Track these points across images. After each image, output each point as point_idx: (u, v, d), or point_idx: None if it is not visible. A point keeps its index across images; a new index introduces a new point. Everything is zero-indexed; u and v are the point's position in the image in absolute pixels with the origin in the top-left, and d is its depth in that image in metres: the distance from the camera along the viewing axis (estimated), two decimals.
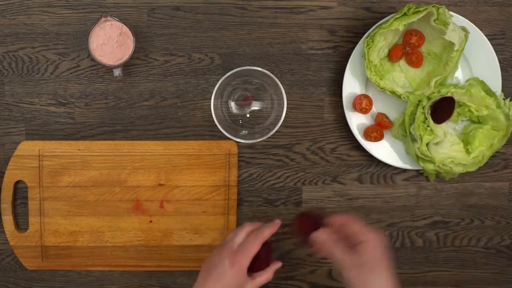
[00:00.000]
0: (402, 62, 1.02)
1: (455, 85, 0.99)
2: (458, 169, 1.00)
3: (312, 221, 0.88)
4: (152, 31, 1.02)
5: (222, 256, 0.83)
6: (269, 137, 0.97)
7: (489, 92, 1.00)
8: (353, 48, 1.01)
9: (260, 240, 0.84)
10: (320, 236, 0.84)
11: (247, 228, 0.86)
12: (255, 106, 1.02)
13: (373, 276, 0.80)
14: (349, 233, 0.83)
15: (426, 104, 0.98)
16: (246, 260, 0.82)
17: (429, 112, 0.98)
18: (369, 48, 0.97)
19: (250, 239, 0.84)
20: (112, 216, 1.04)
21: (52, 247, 1.04)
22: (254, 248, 0.83)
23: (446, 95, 0.98)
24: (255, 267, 0.85)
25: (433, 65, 1.02)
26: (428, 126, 0.99)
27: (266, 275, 0.85)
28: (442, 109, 0.99)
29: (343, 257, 0.81)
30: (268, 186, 1.06)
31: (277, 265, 0.87)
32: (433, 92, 0.98)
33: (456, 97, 0.99)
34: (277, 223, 0.87)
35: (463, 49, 0.98)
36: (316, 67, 1.04)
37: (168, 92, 1.03)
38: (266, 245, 0.86)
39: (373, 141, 1.02)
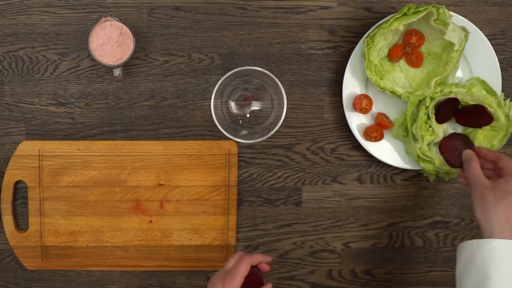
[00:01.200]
0: (402, 62, 1.02)
1: (457, 84, 0.99)
2: (459, 169, 1.00)
3: (460, 141, 0.98)
4: (152, 31, 1.02)
5: (216, 280, 0.87)
6: (269, 137, 0.97)
7: (490, 92, 1.00)
8: (353, 48, 1.01)
9: (247, 261, 0.87)
10: (468, 154, 0.93)
11: (239, 254, 0.90)
12: (255, 106, 1.02)
13: (503, 203, 0.86)
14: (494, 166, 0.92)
15: (430, 104, 0.98)
16: (235, 280, 0.86)
17: (433, 111, 0.98)
18: (369, 48, 0.97)
19: (239, 261, 0.88)
20: (112, 216, 1.04)
21: (52, 247, 1.04)
22: (242, 268, 0.86)
23: (451, 96, 0.98)
24: None
25: (433, 65, 1.02)
26: (430, 126, 0.99)
27: None
28: (446, 109, 0.99)
29: (481, 176, 0.89)
30: (268, 186, 1.06)
31: (267, 286, 0.90)
32: (436, 92, 0.98)
33: (458, 97, 0.99)
34: (269, 257, 0.91)
35: (463, 49, 0.97)
36: (316, 67, 1.04)
37: (168, 92, 1.03)
38: (257, 270, 0.90)
39: (373, 141, 1.02)
